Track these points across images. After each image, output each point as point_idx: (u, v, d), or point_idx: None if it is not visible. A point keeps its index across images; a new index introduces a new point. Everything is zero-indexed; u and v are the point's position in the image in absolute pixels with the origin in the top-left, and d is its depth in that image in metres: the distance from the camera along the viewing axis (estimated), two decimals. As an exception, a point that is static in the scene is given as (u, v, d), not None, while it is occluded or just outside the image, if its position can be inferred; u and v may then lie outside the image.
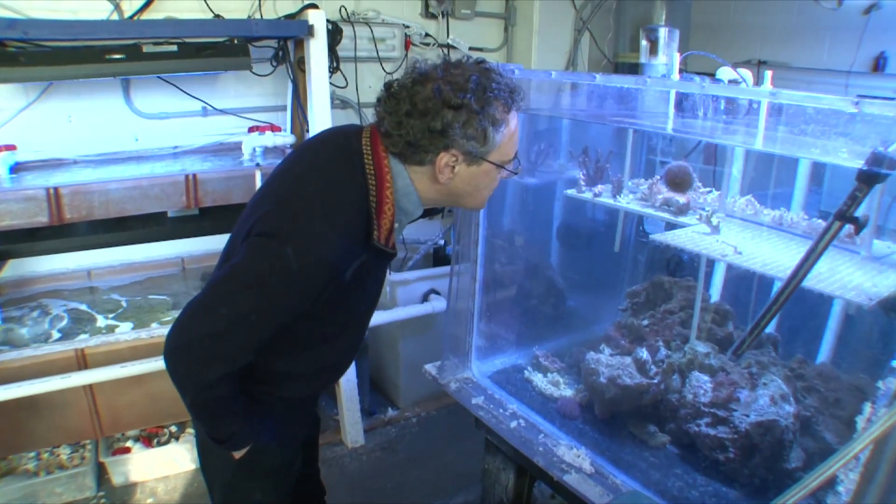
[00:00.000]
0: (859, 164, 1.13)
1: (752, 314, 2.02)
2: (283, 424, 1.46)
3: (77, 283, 2.75)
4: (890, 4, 2.73)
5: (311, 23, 2.41)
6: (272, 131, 2.71)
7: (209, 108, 2.81)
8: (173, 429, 2.76)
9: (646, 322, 2.10)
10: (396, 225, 1.31)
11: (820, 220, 1.78)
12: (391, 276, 2.97)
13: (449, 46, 3.33)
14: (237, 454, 1.39)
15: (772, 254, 1.65)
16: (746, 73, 1.73)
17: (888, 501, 1.06)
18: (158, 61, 2.34)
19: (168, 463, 2.64)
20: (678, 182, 1.96)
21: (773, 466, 1.59)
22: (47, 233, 2.35)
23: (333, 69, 2.84)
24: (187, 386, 1.23)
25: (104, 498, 2.52)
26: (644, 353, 1.87)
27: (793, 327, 1.95)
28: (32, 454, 2.55)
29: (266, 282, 1.19)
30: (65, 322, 2.44)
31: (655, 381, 1.81)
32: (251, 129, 2.73)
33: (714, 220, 1.79)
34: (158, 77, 2.62)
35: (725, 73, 1.78)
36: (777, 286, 1.36)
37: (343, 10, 2.96)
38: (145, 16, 2.58)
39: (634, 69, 3.37)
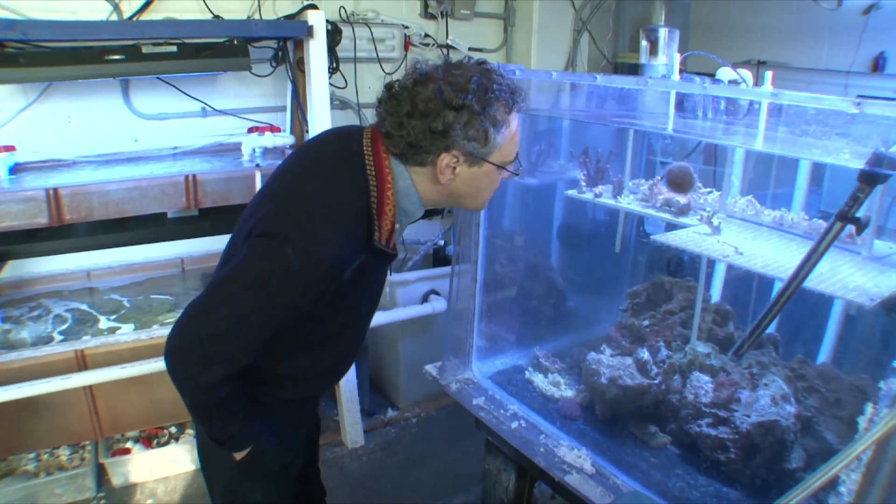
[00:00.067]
0: (860, 164, 1.13)
1: (753, 314, 2.03)
2: (284, 425, 1.46)
3: (77, 284, 2.74)
4: (889, 4, 2.73)
5: (310, 23, 2.41)
6: (272, 132, 2.70)
7: (209, 108, 2.81)
8: (173, 430, 2.76)
9: (646, 322, 2.10)
10: (397, 226, 1.31)
11: (820, 221, 1.78)
12: (391, 277, 2.97)
13: (448, 47, 3.33)
14: (238, 455, 1.39)
15: (773, 254, 1.65)
16: (746, 74, 1.73)
17: (890, 502, 1.06)
18: (158, 62, 2.33)
19: (168, 464, 2.64)
20: (679, 182, 1.96)
21: (774, 467, 1.59)
22: (47, 234, 2.35)
23: (333, 70, 2.84)
24: (188, 387, 1.23)
25: (104, 499, 2.51)
26: (645, 354, 1.87)
27: (793, 327, 1.95)
28: (32, 455, 2.55)
29: (267, 283, 1.19)
30: (68, 323, 2.44)
31: (656, 381, 1.81)
32: (251, 130, 2.73)
33: (715, 221, 1.79)
34: (158, 78, 2.61)
35: (725, 73, 1.78)
36: (778, 286, 1.36)
37: (342, 10, 2.96)
38: (144, 16, 2.58)
39: (634, 69, 3.37)
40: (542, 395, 2.05)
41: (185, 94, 2.73)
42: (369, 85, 3.16)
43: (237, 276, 1.21)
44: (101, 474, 2.59)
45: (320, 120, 2.53)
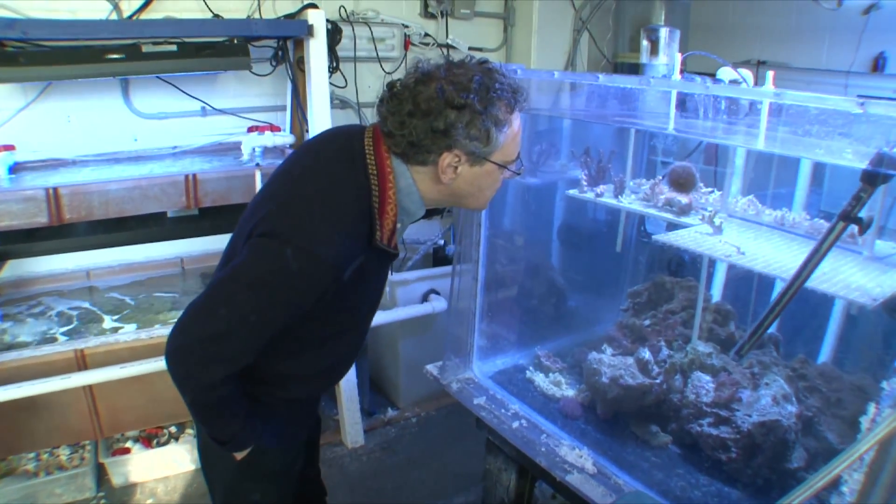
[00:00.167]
0: (863, 164, 1.13)
1: (753, 314, 2.03)
2: (285, 425, 1.45)
3: (76, 284, 2.74)
4: (889, 4, 2.73)
5: (310, 22, 2.40)
6: (271, 131, 2.70)
7: (208, 108, 2.80)
8: (173, 429, 2.75)
9: (647, 322, 2.10)
10: (399, 225, 1.31)
11: (821, 221, 1.78)
12: (391, 277, 2.96)
13: (448, 46, 3.33)
14: (239, 455, 1.39)
15: (774, 254, 1.65)
16: (747, 74, 1.73)
17: (892, 502, 1.06)
18: (157, 61, 2.33)
19: (168, 463, 2.63)
20: (682, 182, 1.96)
21: (775, 466, 1.59)
22: (46, 233, 2.35)
23: (333, 69, 2.84)
24: (188, 386, 1.22)
25: (104, 499, 2.51)
26: (646, 353, 1.87)
27: (794, 327, 1.95)
28: (32, 455, 2.54)
29: (267, 282, 1.18)
30: (74, 324, 2.43)
31: (658, 381, 1.81)
32: (250, 129, 2.73)
33: (717, 221, 1.79)
34: (157, 77, 2.61)
35: (726, 73, 1.78)
36: (779, 286, 1.35)
37: (342, 9, 2.95)
38: (144, 15, 2.57)
39: (634, 69, 3.37)
40: (544, 394, 2.04)
41: (184, 93, 2.72)
42: (369, 84, 3.16)
43: (238, 276, 1.21)
44: (100, 474, 2.58)
45: (320, 119, 2.53)
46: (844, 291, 1.41)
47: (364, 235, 1.24)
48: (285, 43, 2.66)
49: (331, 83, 2.71)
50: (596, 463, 1.70)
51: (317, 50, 2.45)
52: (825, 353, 1.88)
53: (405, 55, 3.22)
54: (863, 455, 1.01)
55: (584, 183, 2.15)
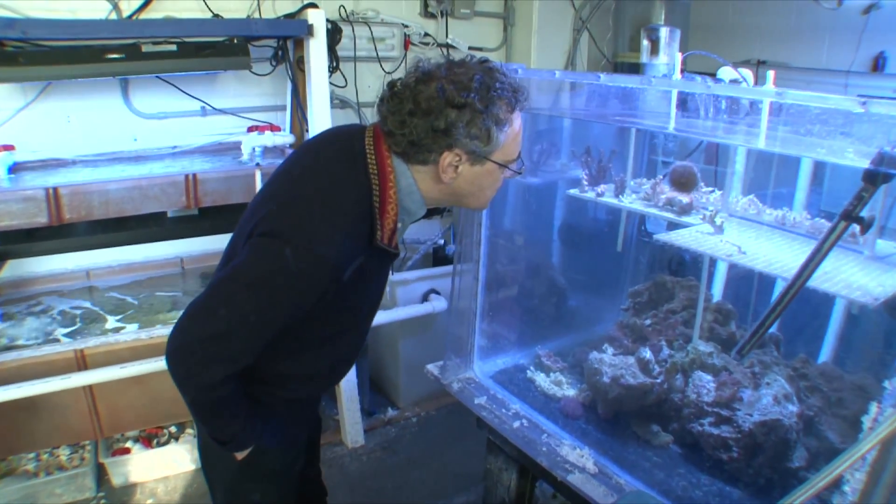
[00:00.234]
0: (865, 164, 1.13)
1: (754, 313, 2.03)
2: (286, 425, 1.45)
3: (76, 284, 2.74)
4: (889, 4, 2.73)
5: (310, 22, 2.40)
6: (271, 131, 2.70)
7: (208, 107, 2.80)
8: (173, 429, 2.75)
9: (648, 322, 2.10)
10: (399, 225, 1.30)
11: (822, 220, 1.78)
12: (391, 276, 2.96)
13: (448, 46, 3.33)
14: (239, 455, 1.38)
15: (775, 253, 1.65)
16: (747, 73, 1.72)
17: (894, 502, 1.06)
18: (157, 61, 2.33)
19: (168, 463, 2.63)
20: (683, 182, 1.96)
21: (776, 466, 1.59)
22: (46, 233, 2.34)
23: (333, 69, 2.84)
24: (188, 386, 1.22)
25: (104, 499, 2.51)
26: (647, 353, 1.87)
27: (795, 327, 1.95)
28: (32, 455, 2.54)
29: (268, 282, 1.18)
30: (77, 325, 2.43)
31: (658, 380, 1.81)
32: (250, 129, 2.73)
33: (718, 220, 1.79)
34: (157, 77, 2.60)
35: (726, 72, 1.78)
36: (780, 286, 1.35)
37: (342, 9, 2.95)
38: (144, 15, 2.57)
39: (634, 69, 3.37)
40: (544, 394, 2.04)
41: (184, 93, 2.72)
42: (369, 84, 3.16)
43: (238, 276, 1.20)
44: (101, 474, 2.58)
45: (320, 119, 2.53)
46: (846, 291, 1.41)
47: (365, 235, 1.24)
48: (285, 43, 2.66)
49: (331, 83, 2.71)
50: (597, 463, 1.70)
51: (317, 50, 2.45)
52: (826, 353, 1.88)
53: (405, 55, 3.22)
54: (865, 454, 1.01)
55: (585, 182, 2.15)
